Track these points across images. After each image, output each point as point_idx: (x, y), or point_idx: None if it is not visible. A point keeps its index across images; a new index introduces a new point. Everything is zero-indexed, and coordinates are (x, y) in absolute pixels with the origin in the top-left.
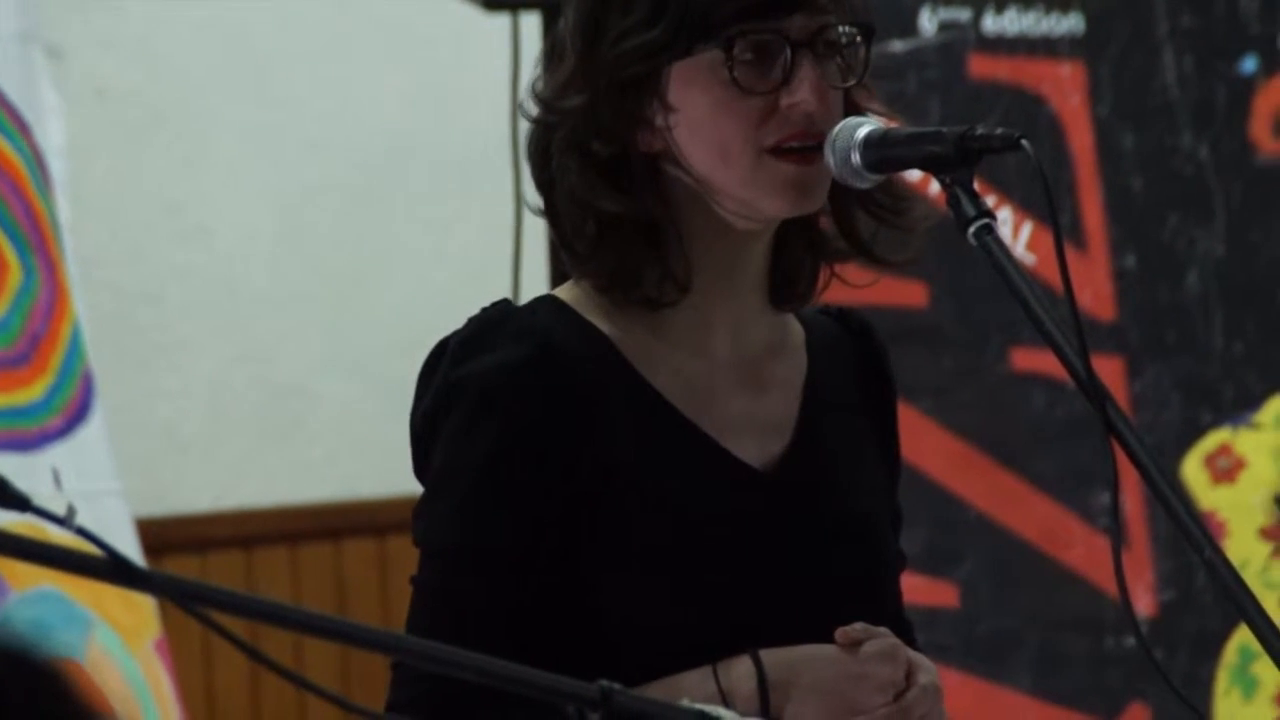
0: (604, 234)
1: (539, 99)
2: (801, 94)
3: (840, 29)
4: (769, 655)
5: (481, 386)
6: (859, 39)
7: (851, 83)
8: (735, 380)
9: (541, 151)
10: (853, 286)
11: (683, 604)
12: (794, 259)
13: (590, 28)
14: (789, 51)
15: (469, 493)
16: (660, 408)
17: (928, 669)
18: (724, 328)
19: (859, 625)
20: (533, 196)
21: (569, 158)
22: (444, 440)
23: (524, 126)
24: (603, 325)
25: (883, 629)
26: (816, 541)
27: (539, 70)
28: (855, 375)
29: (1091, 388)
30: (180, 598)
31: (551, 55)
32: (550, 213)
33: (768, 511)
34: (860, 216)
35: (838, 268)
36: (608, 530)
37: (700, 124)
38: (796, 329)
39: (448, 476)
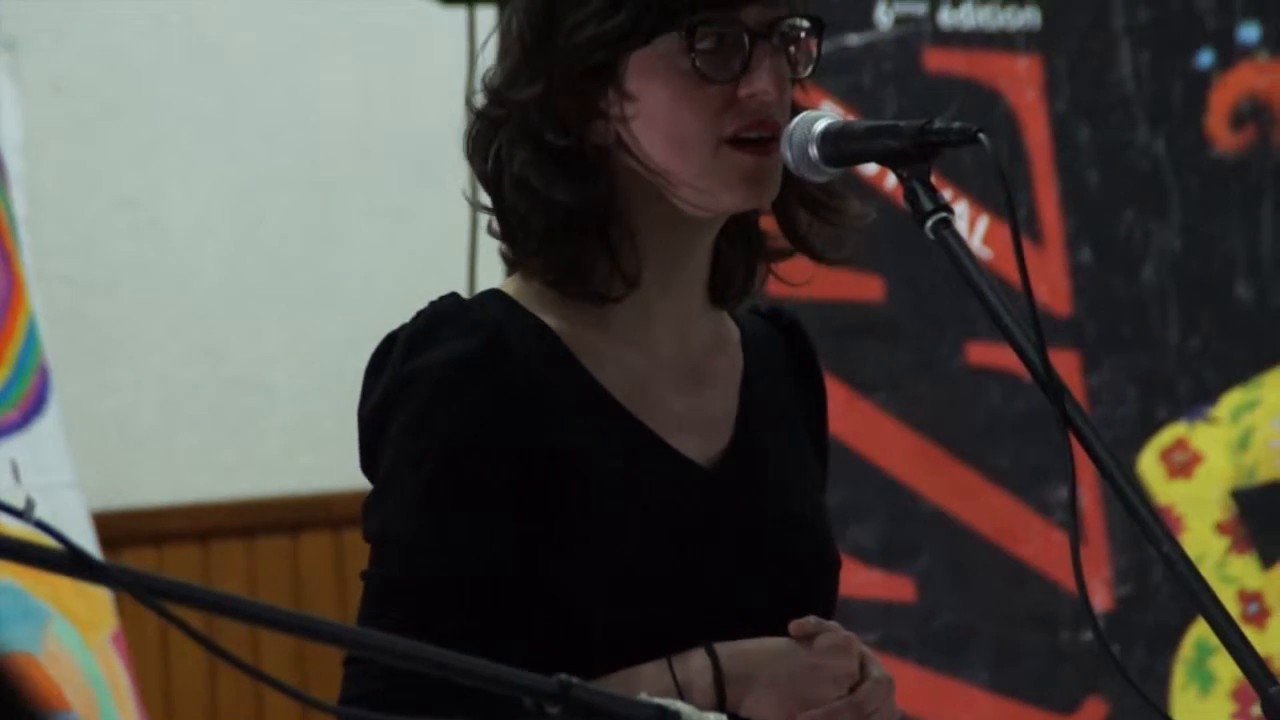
0: (554, 227)
1: (489, 89)
2: (761, 83)
3: (793, 21)
4: (723, 648)
5: (434, 380)
6: (811, 32)
7: (805, 74)
8: (677, 377)
9: (486, 144)
10: (790, 285)
11: (632, 598)
12: (731, 257)
13: (544, 17)
14: (748, 41)
15: (422, 485)
16: (605, 403)
17: (877, 662)
18: (667, 324)
19: (812, 618)
20: None
21: (520, 149)
22: (395, 434)
23: None
24: (549, 319)
25: (833, 623)
26: (760, 537)
27: (496, 64)
28: (787, 372)
29: (1049, 383)
30: (138, 591)
31: (501, 45)
32: (497, 206)
33: (712, 507)
34: (800, 213)
35: (778, 266)
36: (557, 523)
37: (659, 114)
38: (732, 327)
39: (400, 470)
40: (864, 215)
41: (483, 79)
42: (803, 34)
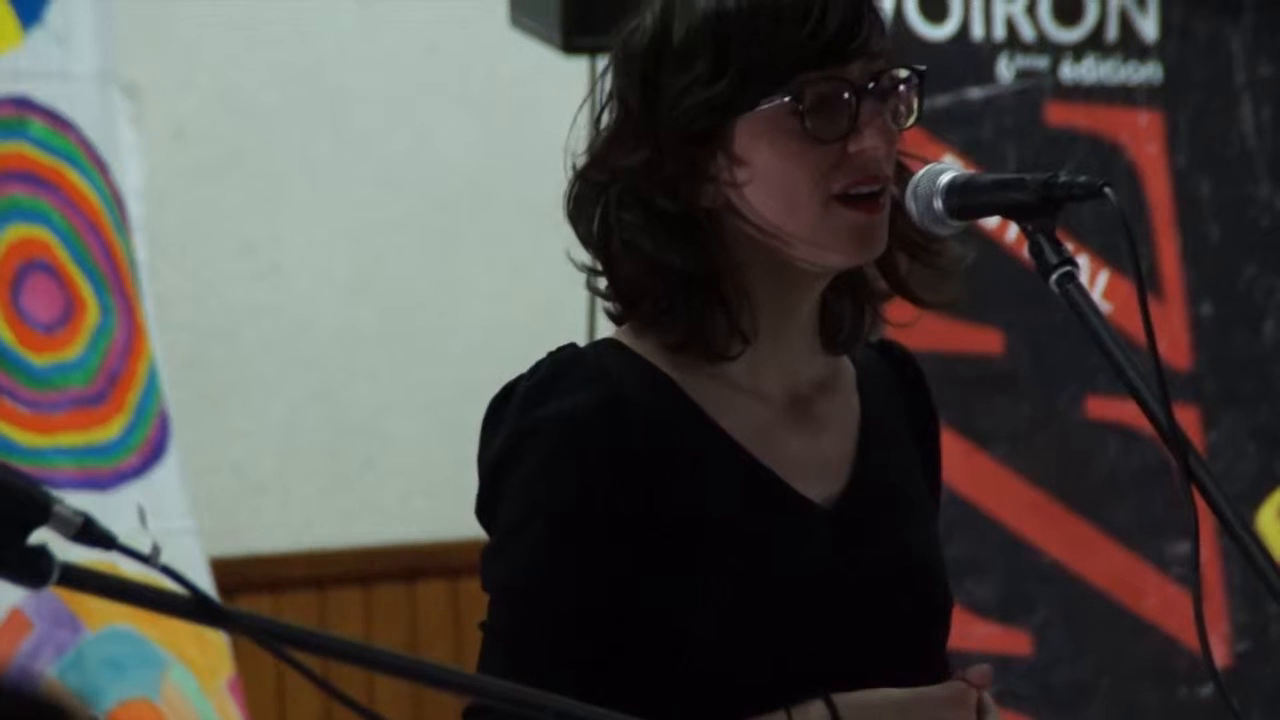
0: (671, 291)
1: (592, 154)
2: (871, 139)
3: (894, 73)
4: (842, 699)
5: (555, 431)
6: (911, 81)
7: (908, 124)
8: (792, 421)
9: (590, 206)
10: (896, 326)
11: (755, 645)
12: (838, 304)
13: (646, 83)
14: (853, 98)
15: (543, 537)
16: (729, 449)
17: (994, 711)
18: (775, 371)
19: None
20: None
21: (629, 213)
22: (515, 485)
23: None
24: (666, 368)
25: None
26: (879, 579)
27: (595, 123)
28: (900, 407)
29: (1173, 436)
30: (261, 636)
31: (602, 109)
32: (608, 270)
33: (833, 549)
34: (899, 257)
35: (891, 312)
36: (680, 573)
37: (770, 176)
38: (848, 368)
39: (521, 521)
40: (963, 258)
41: (590, 145)
42: (904, 85)
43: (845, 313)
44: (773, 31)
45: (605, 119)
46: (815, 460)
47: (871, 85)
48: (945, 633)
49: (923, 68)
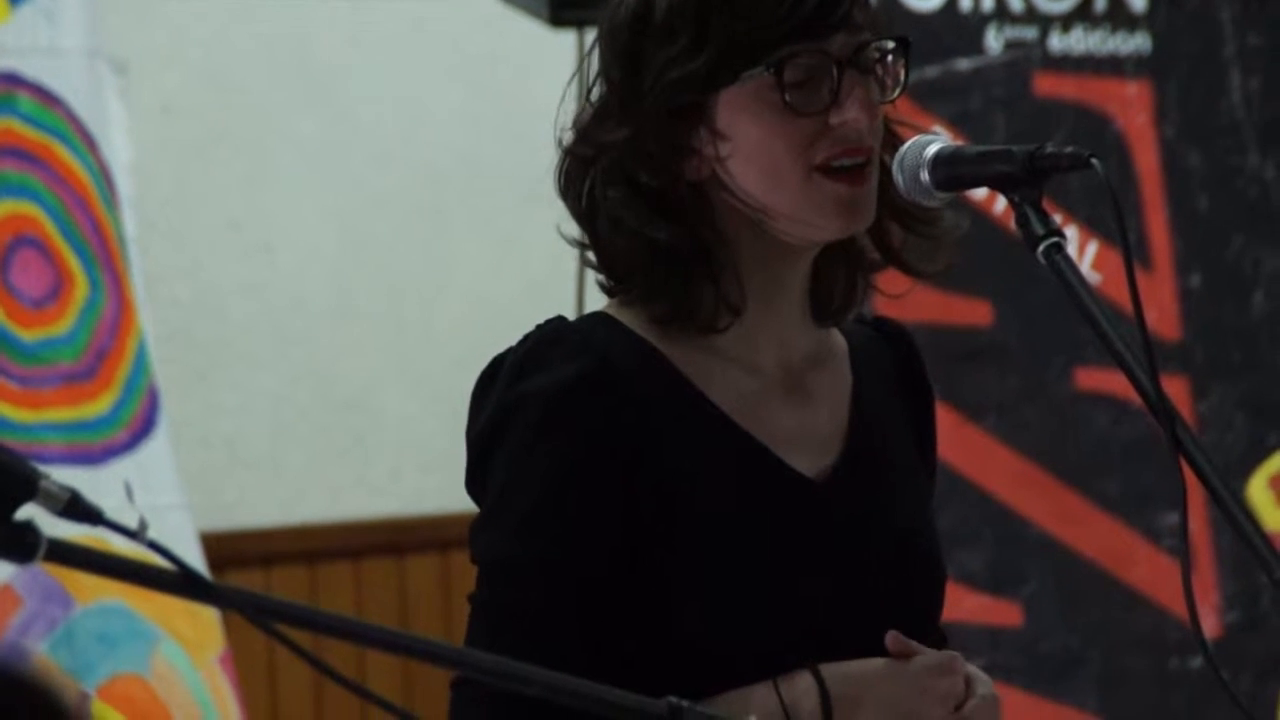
0: (658, 265)
1: (578, 129)
2: (852, 111)
3: (879, 45)
4: (829, 669)
5: (543, 403)
6: (896, 53)
7: (893, 97)
8: (783, 394)
9: (578, 181)
10: (890, 297)
11: (743, 616)
12: (830, 274)
13: (629, 58)
14: (835, 71)
15: (532, 509)
16: (717, 421)
17: (984, 680)
18: (769, 343)
19: (904, 639)
20: None
21: (614, 188)
22: (504, 457)
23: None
24: (655, 341)
25: (926, 648)
26: (870, 551)
27: (585, 97)
28: (895, 383)
29: (1161, 407)
30: (249, 611)
31: (591, 85)
32: (594, 242)
33: (823, 523)
34: (892, 227)
35: (881, 281)
36: (667, 544)
37: (752, 149)
38: (839, 341)
39: (509, 493)
40: (957, 228)
41: (574, 121)
42: (889, 56)
43: (837, 283)
44: (753, 5)
45: (594, 94)
46: (806, 433)
47: (854, 58)
48: (939, 606)
49: (907, 38)
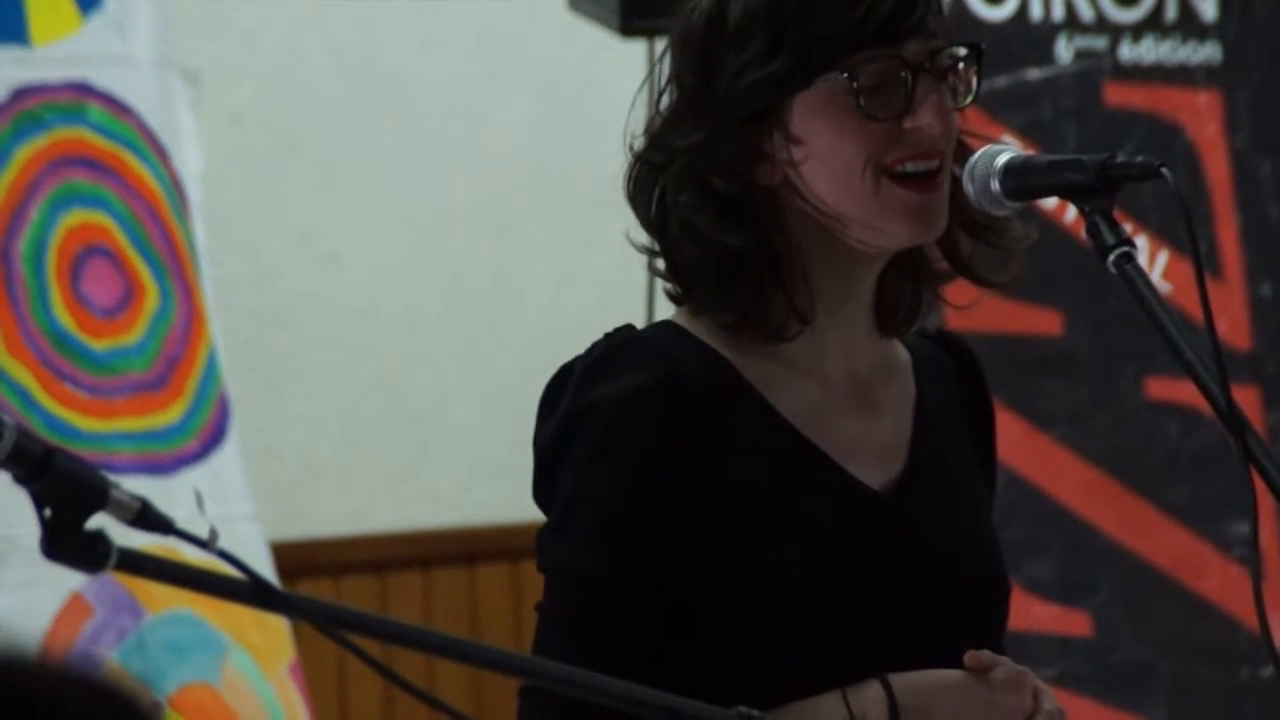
0: (728, 271)
1: (650, 135)
2: (927, 117)
3: (951, 51)
4: (898, 680)
5: (611, 411)
6: (969, 59)
7: (965, 103)
8: (850, 404)
9: (648, 188)
10: (958, 308)
11: (809, 627)
12: (897, 284)
13: (703, 63)
14: (909, 76)
15: (600, 518)
16: (785, 431)
17: (1050, 695)
18: (837, 353)
19: (987, 652)
20: None
21: (686, 194)
22: (572, 465)
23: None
24: (723, 350)
25: (1006, 658)
26: (935, 563)
27: (655, 105)
28: (957, 396)
29: (1231, 417)
30: (320, 620)
31: (662, 91)
32: (664, 248)
33: (889, 534)
34: (961, 237)
35: (948, 293)
36: (735, 554)
37: (825, 153)
38: (903, 353)
39: (577, 502)
40: (1026, 237)
41: (647, 125)
42: (961, 63)
43: (904, 294)
44: (828, 10)
45: (664, 101)
46: (872, 444)
47: (928, 64)
48: (1004, 617)
49: (981, 45)
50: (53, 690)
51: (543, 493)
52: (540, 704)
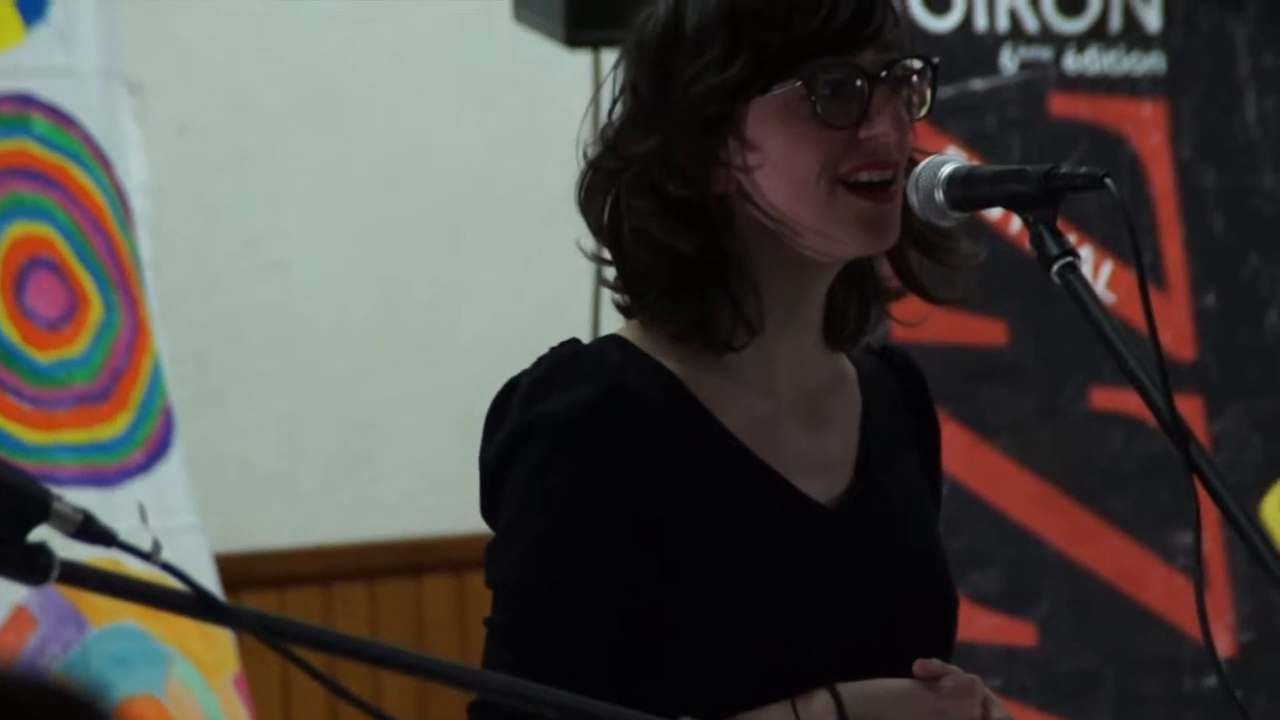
0: (679, 278)
1: (605, 141)
2: (882, 126)
3: (906, 63)
4: (847, 689)
5: (556, 426)
6: (924, 72)
7: (920, 115)
8: (798, 418)
9: (602, 195)
10: (906, 325)
11: (758, 640)
12: (845, 298)
13: (659, 71)
14: (865, 85)
15: (545, 532)
16: (731, 446)
17: (999, 704)
18: (785, 365)
19: (936, 661)
20: None
21: (640, 200)
22: (518, 480)
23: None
24: (670, 364)
25: (955, 666)
26: (882, 576)
27: (608, 114)
28: (902, 411)
29: (1175, 427)
30: (263, 632)
31: (615, 101)
32: (615, 257)
33: (837, 548)
34: (911, 253)
35: (893, 307)
36: (682, 567)
37: (780, 159)
38: (849, 367)
39: (522, 517)
40: (975, 255)
41: (601, 132)
42: (915, 76)
43: (851, 309)
44: (786, 17)
45: (616, 110)
46: (819, 458)
47: (884, 74)
48: (952, 630)
49: (935, 59)
50: (17, 697)
51: (490, 509)
52: (488, 719)
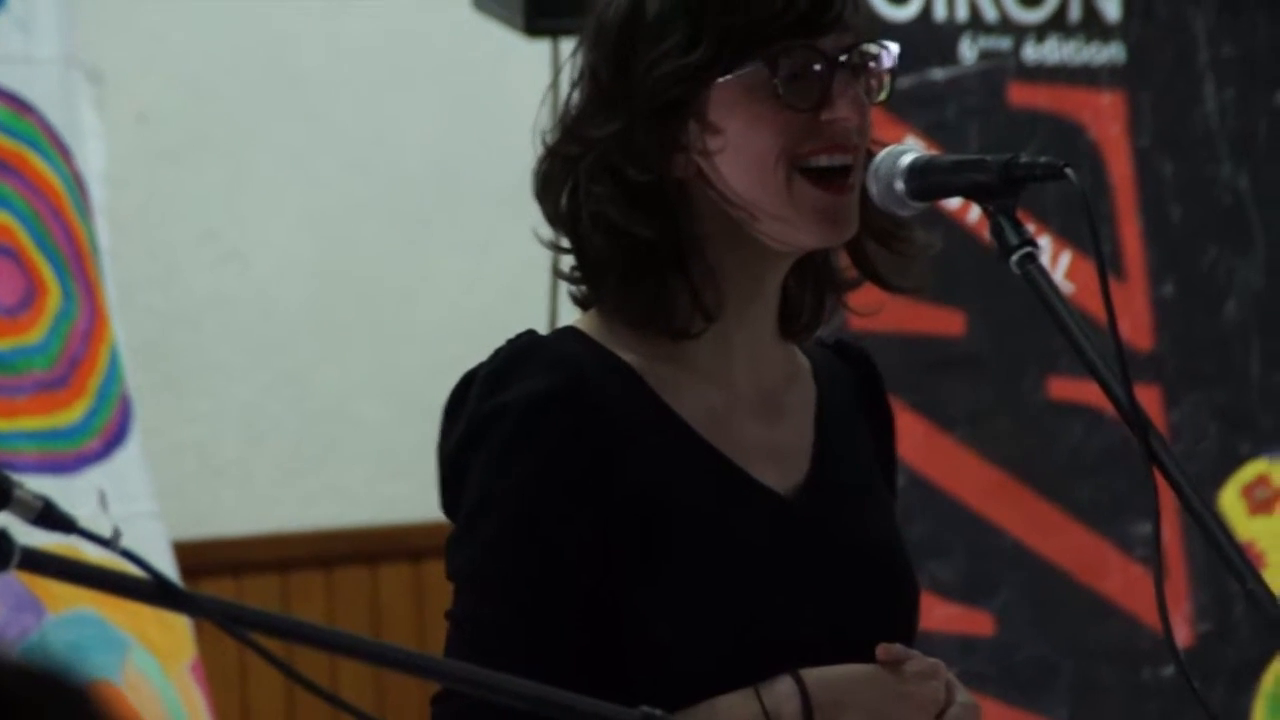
0: (636, 264)
1: (564, 127)
2: (844, 110)
3: (867, 48)
4: (810, 675)
5: (514, 417)
6: (884, 57)
7: (880, 100)
8: (753, 409)
9: (560, 182)
10: (863, 315)
11: (715, 627)
12: (799, 289)
13: (620, 55)
14: (826, 69)
15: (504, 523)
16: (687, 436)
17: (963, 689)
18: (743, 356)
19: (899, 645)
20: None
21: (599, 185)
22: (476, 471)
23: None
24: (626, 355)
25: (917, 651)
26: (841, 565)
27: (565, 100)
28: (856, 403)
29: (1134, 417)
30: (222, 619)
31: (573, 88)
32: (574, 245)
33: (795, 537)
34: (868, 243)
35: (850, 298)
36: (642, 558)
37: (741, 143)
38: (803, 359)
39: (482, 508)
40: (930, 245)
41: (558, 117)
42: (874, 61)
43: (805, 300)
44: (747, 1)
45: (575, 96)
46: (774, 448)
47: (844, 58)
48: (914, 618)
49: (894, 45)
50: (8, 681)
51: (449, 501)
52: (451, 711)
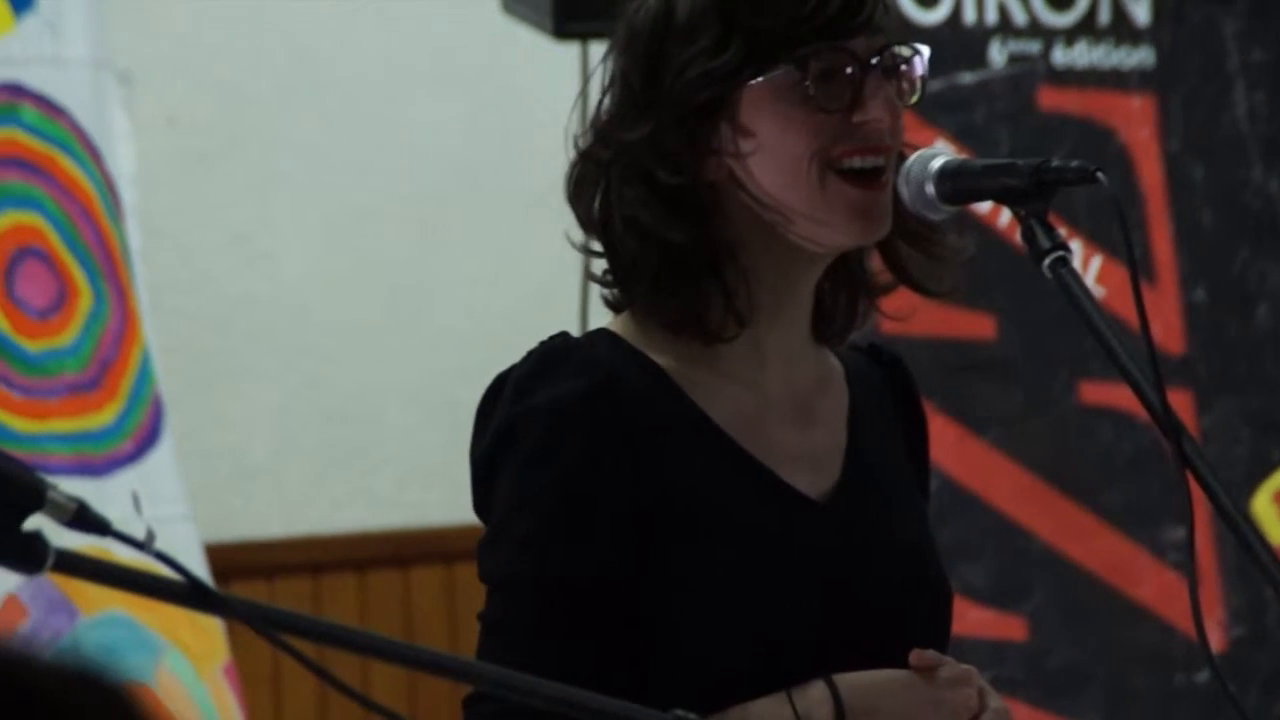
0: (670, 268)
1: (596, 130)
2: (875, 111)
3: (897, 50)
4: (844, 680)
5: (547, 419)
6: (915, 59)
7: (911, 102)
8: (786, 413)
9: (592, 186)
10: (896, 319)
11: (749, 632)
12: (833, 293)
13: (650, 59)
14: (858, 71)
15: (537, 525)
16: (719, 440)
17: (995, 695)
18: (776, 361)
19: (931, 651)
20: None
21: (631, 189)
22: (509, 473)
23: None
24: (658, 358)
25: (950, 658)
26: (874, 569)
27: (598, 105)
28: (890, 407)
29: (1167, 421)
30: (256, 621)
31: (605, 85)
32: (606, 248)
33: (826, 540)
34: (900, 246)
35: (883, 302)
36: (673, 560)
37: (773, 144)
38: (835, 363)
39: (515, 510)
40: (962, 249)
41: (590, 121)
42: (905, 64)
43: (839, 303)
44: (778, 3)
45: (606, 101)
46: (807, 453)
47: (875, 60)
48: (946, 622)
49: (925, 48)
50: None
51: (482, 503)
52: (485, 713)
